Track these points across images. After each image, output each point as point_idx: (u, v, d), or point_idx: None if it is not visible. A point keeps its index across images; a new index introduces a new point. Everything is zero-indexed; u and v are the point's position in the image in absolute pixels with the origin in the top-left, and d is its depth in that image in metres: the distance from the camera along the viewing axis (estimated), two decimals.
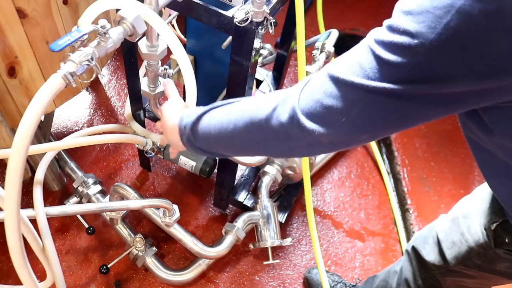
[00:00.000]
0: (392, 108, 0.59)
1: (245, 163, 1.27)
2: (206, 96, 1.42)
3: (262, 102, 0.73)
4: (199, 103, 1.39)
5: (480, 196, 0.98)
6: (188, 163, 1.46)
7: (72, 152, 1.77)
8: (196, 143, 0.85)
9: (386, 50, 0.56)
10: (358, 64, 0.59)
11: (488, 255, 0.94)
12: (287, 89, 0.73)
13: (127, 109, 1.47)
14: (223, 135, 0.79)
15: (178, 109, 0.96)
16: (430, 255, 1.11)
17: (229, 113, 0.79)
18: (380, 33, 0.58)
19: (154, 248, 1.50)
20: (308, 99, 0.65)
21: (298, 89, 0.69)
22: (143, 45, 1.03)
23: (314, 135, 0.65)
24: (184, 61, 0.98)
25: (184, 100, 1.04)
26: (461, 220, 1.00)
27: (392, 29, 0.56)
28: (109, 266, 1.48)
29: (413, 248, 1.19)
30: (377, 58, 0.57)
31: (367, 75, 0.58)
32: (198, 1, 0.98)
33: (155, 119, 1.46)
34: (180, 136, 0.88)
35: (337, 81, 0.62)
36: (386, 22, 0.58)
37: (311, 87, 0.67)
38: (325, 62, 1.43)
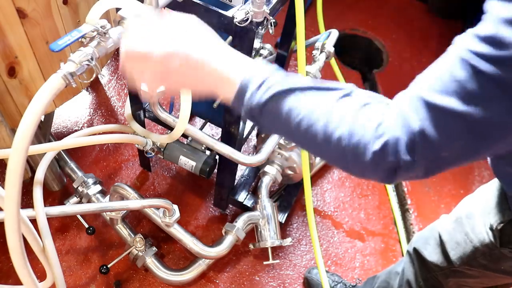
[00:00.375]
0: (503, 133, 0.52)
1: (245, 163, 1.27)
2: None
3: (358, 121, 0.59)
4: (199, 103, 1.39)
5: (484, 196, 0.98)
6: (188, 163, 1.46)
7: (72, 152, 1.77)
8: (260, 120, 0.65)
9: (493, 65, 0.49)
10: (458, 85, 0.51)
11: (493, 255, 0.94)
12: (382, 106, 0.61)
13: (127, 109, 1.47)
14: (301, 133, 0.62)
15: (220, 42, 0.65)
16: (432, 256, 1.11)
17: (317, 112, 0.61)
18: (477, 45, 0.51)
19: (154, 248, 1.50)
20: (406, 129, 0.55)
21: (395, 116, 0.57)
22: None
23: (403, 166, 0.56)
24: None
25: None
26: (464, 220, 1.00)
27: (495, 42, 0.48)
28: (109, 266, 1.48)
29: (415, 249, 1.19)
30: (480, 75, 0.50)
31: (471, 98, 0.50)
32: (198, 1, 0.98)
33: (155, 119, 1.46)
34: (237, 105, 0.65)
35: (435, 109, 0.53)
36: (480, 32, 0.51)
37: (405, 116, 0.56)
38: (325, 62, 1.43)
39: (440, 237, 1.09)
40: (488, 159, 0.86)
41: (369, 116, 0.58)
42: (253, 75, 0.62)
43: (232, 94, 0.63)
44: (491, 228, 0.92)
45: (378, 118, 0.58)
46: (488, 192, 0.97)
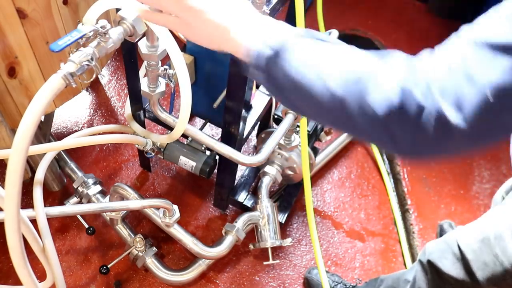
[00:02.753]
0: None
1: (245, 163, 1.27)
2: (206, 97, 1.42)
3: (380, 74, 0.53)
4: (199, 103, 1.39)
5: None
6: (188, 163, 1.46)
7: (72, 153, 1.77)
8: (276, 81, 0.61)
9: None
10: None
11: None
12: (406, 58, 0.54)
13: (127, 110, 1.47)
14: (314, 97, 0.57)
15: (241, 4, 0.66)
16: (452, 270, 1.10)
17: (331, 70, 0.56)
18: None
19: (154, 249, 1.50)
20: (448, 78, 0.48)
21: (429, 63, 0.51)
22: (143, 45, 1.03)
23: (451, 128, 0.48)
24: (180, 65, 0.97)
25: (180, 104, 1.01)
26: (493, 241, 0.99)
27: None
28: (109, 266, 1.48)
29: (429, 261, 1.17)
30: None
31: None
32: None
33: (155, 119, 1.46)
34: (251, 57, 0.62)
35: (495, 49, 0.45)
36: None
37: (450, 63, 0.49)
38: None
39: (461, 253, 1.07)
40: None
41: (394, 71, 0.52)
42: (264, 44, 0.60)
43: (246, 59, 0.63)
44: None
45: (405, 74, 0.52)
46: None
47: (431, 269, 1.17)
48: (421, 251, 1.25)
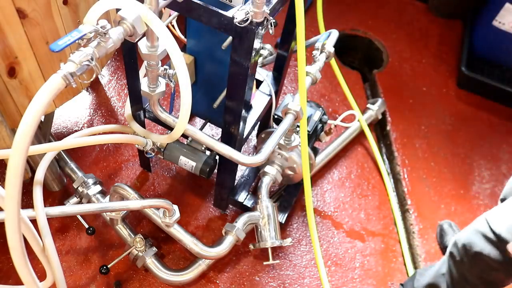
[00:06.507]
0: None
1: (245, 163, 1.27)
2: (206, 97, 1.42)
3: None
4: (199, 103, 1.39)
5: None
6: (188, 163, 1.46)
7: (72, 153, 1.77)
8: None
9: None
10: None
11: None
12: None
13: (127, 110, 1.47)
14: None
15: None
16: (486, 251, 1.13)
17: None
18: None
19: (154, 249, 1.50)
20: None
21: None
22: (143, 46, 1.03)
23: None
24: (180, 65, 0.96)
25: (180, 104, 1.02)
26: None
27: None
28: (109, 266, 1.48)
29: (464, 247, 1.20)
30: None
31: None
32: (198, 2, 0.98)
33: (155, 119, 1.46)
34: None
35: None
36: None
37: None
38: (325, 63, 1.43)
39: (494, 233, 1.09)
40: None
41: None
42: None
43: None
44: None
45: None
46: None
47: (466, 255, 1.20)
48: (450, 244, 1.28)
